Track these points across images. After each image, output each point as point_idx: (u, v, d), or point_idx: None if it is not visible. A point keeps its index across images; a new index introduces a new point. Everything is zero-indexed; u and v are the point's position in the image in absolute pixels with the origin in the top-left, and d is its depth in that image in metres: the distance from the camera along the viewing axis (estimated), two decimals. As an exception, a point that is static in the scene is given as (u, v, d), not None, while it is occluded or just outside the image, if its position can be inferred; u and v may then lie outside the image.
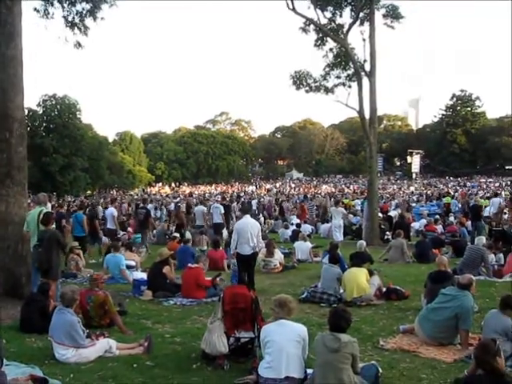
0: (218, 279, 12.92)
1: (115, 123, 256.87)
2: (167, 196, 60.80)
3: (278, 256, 17.17)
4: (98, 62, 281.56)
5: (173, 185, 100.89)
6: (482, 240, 15.76)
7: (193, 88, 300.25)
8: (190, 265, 12.88)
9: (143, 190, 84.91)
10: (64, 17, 15.28)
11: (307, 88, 26.41)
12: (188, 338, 8.92)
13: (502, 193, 46.21)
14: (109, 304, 9.51)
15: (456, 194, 49.55)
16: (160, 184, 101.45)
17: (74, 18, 15.31)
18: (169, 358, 7.92)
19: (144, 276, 13.66)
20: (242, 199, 43.66)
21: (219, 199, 39.05)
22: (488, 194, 45.20)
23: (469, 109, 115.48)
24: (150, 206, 27.48)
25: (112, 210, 21.62)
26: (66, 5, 15.17)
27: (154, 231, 25.29)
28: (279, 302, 6.97)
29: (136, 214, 24.26)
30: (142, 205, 25.43)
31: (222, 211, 23.54)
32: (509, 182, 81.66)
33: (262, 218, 30.84)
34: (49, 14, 15.38)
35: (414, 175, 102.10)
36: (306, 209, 33.27)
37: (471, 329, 8.71)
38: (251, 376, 6.88)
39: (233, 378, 6.98)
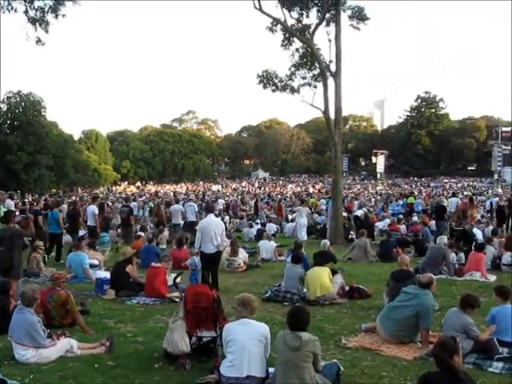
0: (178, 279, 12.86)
1: (81, 121, 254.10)
2: (133, 194, 60.42)
3: (243, 255, 17.17)
4: (63, 60, 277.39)
5: (138, 183, 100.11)
6: (443, 239, 15.97)
7: (159, 87, 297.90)
8: (153, 264, 12.82)
9: (108, 189, 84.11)
10: (25, 12, 15.11)
11: (274, 87, 26.39)
12: (150, 338, 8.86)
13: (465, 193, 46.85)
14: (71, 303, 9.41)
15: (420, 194, 50.10)
16: (126, 183, 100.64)
17: (35, 13, 15.14)
18: (131, 357, 7.86)
19: (107, 275, 13.52)
20: (207, 198, 43.64)
21: (193, 198, 39.19)
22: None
23: (433, 110, 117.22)
24: (133, 205, 27.42)
25: (93, 208, 21.58)
26: (27, 1, 15.00)
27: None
28: (242, 301, 6.97)
29: (109, 213, 24.29)
30: (124, 203, 25.49)
31: (196, 209, 23.63)
32: (471, 183, 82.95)
33: (227, 217, 30.81)
34: (12, 8, 15.19)
35: (378, 175, 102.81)
36: (282, 207, 33.39)
37: (431, 327, 8.80)
38: (213, 375, 6.85)
39: (195, 378, 6.95)
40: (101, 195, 54.81)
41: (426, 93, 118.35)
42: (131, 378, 6.99)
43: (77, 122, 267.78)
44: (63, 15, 15.43)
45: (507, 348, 8.17)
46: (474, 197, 41.94)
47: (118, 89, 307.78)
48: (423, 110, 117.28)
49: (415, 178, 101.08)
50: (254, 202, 39.74)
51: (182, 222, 23.85)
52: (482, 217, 29.52)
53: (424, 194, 50.45)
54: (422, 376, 5.33)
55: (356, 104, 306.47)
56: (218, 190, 75.59)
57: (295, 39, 25.84)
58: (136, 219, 26.29)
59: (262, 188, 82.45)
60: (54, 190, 70.84)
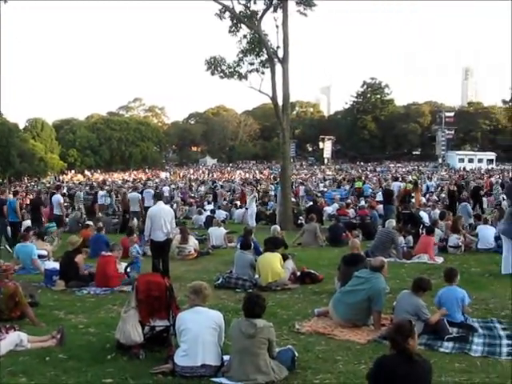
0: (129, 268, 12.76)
1: (26, 110, 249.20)
2: (80, 183, 59.65)
3: (193, 242, 17.12)
4: (7, 47, 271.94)
5: (86, 172, 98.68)
6: (391, 223, 16.20)
7: (106, 74, 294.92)
8: (103, 253, 12.65)
9: (55, 178, 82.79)
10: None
11: (221, 74, 26.28)
12: (102, 328, 8.73)
13: (410, 177, 47.55)
14: (19, 295, 9.19)
15: (367, 179, 50.65)
16: (73, 171, 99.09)
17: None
18: (83, 349, 7.71)
19: (56, 266, 13.26)
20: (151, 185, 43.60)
21: (152, 185, 39.17)
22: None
23: (378, 96, 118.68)
24: (101, 193, 27.24)
25: (58, 197, 21.60)
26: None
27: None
28: (194, 288, 6.93)
29: (50, 202, 23.93)
30: (89, 191, 25.41)
31: (167, 194, 23.68)
32: (416, 167, 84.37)
33: (175, 205, 30.64)
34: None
35: (325, 160, 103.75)
36: (245, 194, 33.34)
37: (383, 310, 8.89)
38: (167, 365, 6.78)
39: (148, 368, 6.85)
40: (48, 185, 53.92)
41: (372, 79, 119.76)
42: (84, 371, 6.85)
43: (22, 111, 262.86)
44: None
45: (456, 328, 8.38)
46: (420, 181, 42.65)
47: (63, 77, 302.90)
48: (369, 95, 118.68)
49: (362, 163, 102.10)
50: (213, 188, 39.86)
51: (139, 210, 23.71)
52: (428, 200, 29.95)
53: (375, 179, 51.01)
54: (377, 360, 5.38)
55: (303, 90, 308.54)
56: (167, 178, 75.10)
57: (243, 25, 25.72)
58: (103, 207, 26.23)
59: (210, 175, 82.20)
60: (-1, 180, 69.49)
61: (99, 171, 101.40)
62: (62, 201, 21.20)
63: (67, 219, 24.32)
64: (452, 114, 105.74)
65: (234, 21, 25.76)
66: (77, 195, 27.73)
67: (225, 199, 34.82)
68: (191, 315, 6.76)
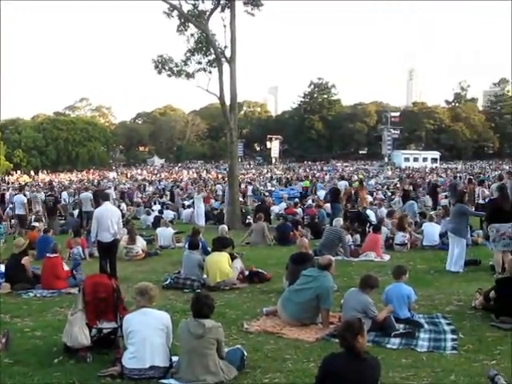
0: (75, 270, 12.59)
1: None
2: (26, 184, 58.50)
3: (140, 243, 16.99)
4: None
5: (32, 173, 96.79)
6: (339, 221, 16.33)
7: (52, 73, 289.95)
8: (48, 255, 12.43)
9: (1, 179, 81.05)
10: None
11: (169, 73, 26.13)
12: (49, 332, 8.58)
13: (356, 176, 48.15)
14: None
15: (314, 177, 51.08)
16: (19, 172, 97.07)
17: None
18: (29, 353, 7.55)
19: (1, 268, 13.01)
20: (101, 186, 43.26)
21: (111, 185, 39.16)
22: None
23: (325, 96, 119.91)
24: (65, 194, 27.06)
25: (21, 197, 21.51)
26: None
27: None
28: (139, 290, 6.88)
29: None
30: (49, 192, 25.18)
31: (114, 196, 23.48)
32: (362, 166, 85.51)
33: (123, 205, 30.35)
34: None
35: (273, 160, 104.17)
36: (245, 192, 33.16)
37: (331, 308, 8.95)
38: (115, 367, 6.69)
39: (96, 371, 6.76)
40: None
41: (319, 79, 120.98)
42: (30, 375, 6.72)
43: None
44: None
45: (403, 324, 8.50)
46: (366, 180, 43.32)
47: (8, 76, 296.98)
48: (316, 95, 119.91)
49: (309, 163, 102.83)
50: (170, 189, 39.78)
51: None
52: (375, 199, 30.36)
53: (327, 177, 51.66)
54: (325, 358, 5.41)
55: (251, 90, 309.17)
56: (114, 178, 74.26)
57: (191, 24, 25.61)
58: (65, 208, 26.14)
59: (158, 175, 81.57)
60: None
61: (45, 172, 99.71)
62: (25, 201, 20.92)
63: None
64: (397, 113, 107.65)
65: (182, 20, 25.65)
66: (34, 196, 27.39)
67: (183, 199, 34.68)
68: (138, 317, 6.70)
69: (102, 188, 34.17)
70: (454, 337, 8.06)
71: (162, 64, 25.86)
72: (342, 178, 32.51)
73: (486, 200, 17.86)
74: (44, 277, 12.09)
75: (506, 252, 11.69)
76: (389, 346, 7.79)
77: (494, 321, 8.57)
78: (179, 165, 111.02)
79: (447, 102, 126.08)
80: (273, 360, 7.17)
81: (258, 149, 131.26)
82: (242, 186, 38.53)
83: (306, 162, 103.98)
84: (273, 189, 41.89)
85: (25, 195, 24.12)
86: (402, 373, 6.63)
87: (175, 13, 25.35)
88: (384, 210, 21.90)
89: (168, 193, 38.79)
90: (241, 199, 27.23)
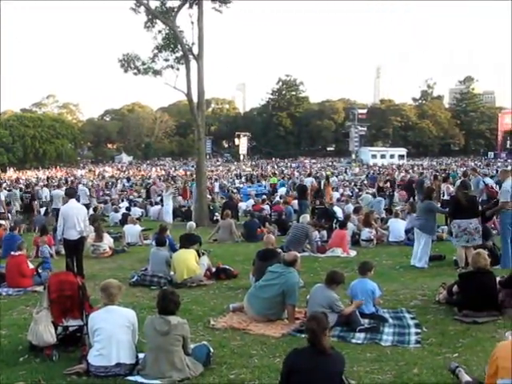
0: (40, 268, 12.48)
1: None
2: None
3: (108, 240, 16.92)
4: None
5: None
6: (306, 218, 16.42)
7: (18, 70, 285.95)
8: (12, 253, 12.31)
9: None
10: None
11: (135, 71, 26.03)
12: (15, 330, 8.49)
13: (323, 173, 48.41)
14: None
15: (282, 174, 51.28)
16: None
17: None
18: (-6, 352, 7.51)
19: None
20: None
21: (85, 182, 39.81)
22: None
23: (293, 93, 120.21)
24: (46, 190, 27.05)
25: None
26: None
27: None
28: (104, 287, 6.87)
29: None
30: (25, 189, 25.15)
31: (88, 193, 23.48)
32: (330, 163, 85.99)
33: (91, 202, 30.15)
34: None
35: (241, 157, 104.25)
36: (187, 190, 33.02)
37: (297, 303, 9.00)
38: (81, 365, 6.66)
39: (62, 369, 6.71)
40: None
41: (287, 76, 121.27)
42: (-5, 374, 6.68)
43: None
44: None
45: (368, 319, 8.58)
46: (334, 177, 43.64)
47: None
48: (284, 92, 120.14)
49: (277, 159, 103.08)
50: (146, 186, 39.72)
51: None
52: (342, 195, 30.57)
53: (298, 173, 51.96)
54: (289, 353, 5.46)
55: (219, 87, 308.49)
56: (82, 175, 73.62)
57: (158, 21, 25.53)
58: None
59: (126, 172, 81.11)
60: None
61: (12, 169, 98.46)
62: (2, 198, 20.76)
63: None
64: (365, 110, 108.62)
65: (149, 16, 25.55)
66: (12, 193, 27.24)
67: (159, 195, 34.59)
68: (103, 314, 6.68)
69: (76, 185, 33.85)
70: (418, 331, 8.16)
71: (128, 63, 25.75)
72: (308, 175, 32.65)
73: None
74: (9, 275, 11.96)
75: (468, 247, 11.87)
76: (354, 340, 7.85)
77: (457, 314, 8.68)
78: (148, 162, 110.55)
79: (414, 100, 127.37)
80: (239, 356, 7.19)
81: (226, 146, 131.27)
82: (209, 183, 38.52)
83: (274, 159, 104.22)
84: (241, 186, 41.97)
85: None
86: (367, 367, 6.69)
87: (142, 9, 25.27)
88: (351, 207, 22.06)
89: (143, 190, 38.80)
90: (208, 196, 27.22)
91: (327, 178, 32.62)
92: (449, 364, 6.43)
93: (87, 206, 25.36)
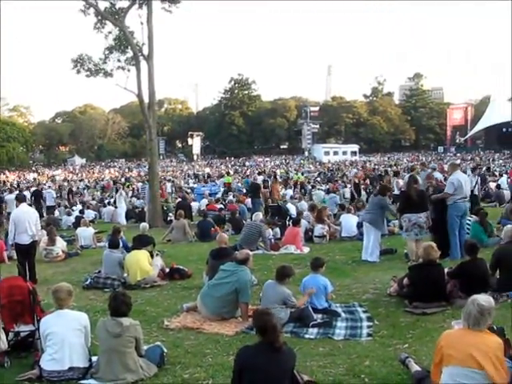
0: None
1: None
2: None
3: (61, 244, 16.73)
4: None
5: None
6: (258, 216, 16.53)
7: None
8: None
9: None
10: None
11: (88, 72, 25.80)
12: (-36, 338, 8.38)
13: (278, 171, 48.71)
14: None
15: (236, 173, 51.41)
16: None
17: None
18: None
19: None
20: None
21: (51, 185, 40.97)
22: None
23: (246, 92, 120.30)
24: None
25: None
26: None
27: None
28: (54, 291, 6.83)
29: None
30: None
31: (55, 195, 23.37)
32: (283, 161, 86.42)
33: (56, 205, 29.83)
34: None
35: (195, 157, 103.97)
36: (164, 189, 32.73)
37: (251, 301, 9.08)
38: (34, 371, 6.61)
39: (15, 375, 6.65)
40: None
41: (239, 75, 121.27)
42: None
43: None
44: None
45: (320, 314, 8.73)
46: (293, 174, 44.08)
47: None
48: (236, 91, 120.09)
49: (232, 158, 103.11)
50: (114, 187, 39.65)
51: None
52: (295, 192, 30.80)
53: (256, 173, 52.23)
54: (240, 350, 5.50)
55: (172, 87, 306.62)
56: (34, 179, 72.51)
57: (108, 22, 25.33)
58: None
59: (79, 174, 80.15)
60: None
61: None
62: None
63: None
64: (317, 108, 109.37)
65: (99, 17, 25.34)
66: None
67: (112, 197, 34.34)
68: (55, 318, 6.65)
69: (40, 189, 33.35)
70: (370, 324, 8.31)
71: (80, 63, 25.51)
72: (259, 173, 33.01)
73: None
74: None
75: (418, 240, 12.09)
76: (307, 336, 7.95)
77: (408, 306, 8.86)
78: (103, 164, 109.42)
79: (365, 97, 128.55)
80: (193, 355, 7.23)
81: (179, 146, 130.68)
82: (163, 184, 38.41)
83: (227, 158, 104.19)
84: (194, 185, 41.89)
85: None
86: (320, 361, 6.79)
87: (92, 10, 25.04)
88: (304, 204, 22.23)
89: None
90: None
91: (275, 175, 32.92)
92: (399, 355, 6.59)
93: (53, 209, 25.43)
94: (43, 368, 6.47)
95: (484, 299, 5.20)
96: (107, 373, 6.35)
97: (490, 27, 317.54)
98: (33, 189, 33.86)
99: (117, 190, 32.17)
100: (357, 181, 29.40)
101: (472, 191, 18.43)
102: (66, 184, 51.32)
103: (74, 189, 44.58)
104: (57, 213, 27.24)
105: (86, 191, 44.15)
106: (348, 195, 28.50)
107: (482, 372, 4.90)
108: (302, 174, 46.55)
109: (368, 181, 31.87)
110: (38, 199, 27.28)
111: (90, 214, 25.27)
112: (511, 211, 14.82)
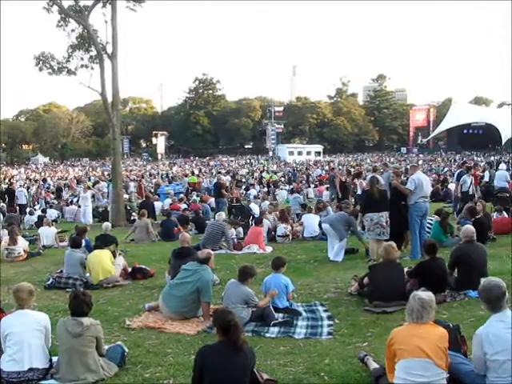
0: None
1: None
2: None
3: (22, 243, 16.54)
4: None
5: None
6: (221, 215, 16.58)
7: None
8: None
9: None
10: None
11: (50, 70, 25.51)
12: None
13: (243, 170, 48.78)
14: None
15: (201, 173, 51.30)
16: None
17: None
18: None
19: None
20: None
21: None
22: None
23: (210, 91, 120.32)
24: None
25: None
26: None
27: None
28: (14, 291, 6.78)
29: None
30: None
31: (26, 194, 23.30)
32: (248, 160, 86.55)
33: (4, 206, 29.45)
34: None
35: (159, 156, 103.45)
36: (143, 187, 32.41)
37: (213, 300, 9.11)
38: (-7, 372, 6.58)
39: (-27, 378, 6.62)
40: None
41: (204, 75, 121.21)
42: None
43: None
44: None
45: (282, 313, 8.82)
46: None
47: None
48: (201, 91, 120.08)
49: (197, 158, 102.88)
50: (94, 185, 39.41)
51: None
52: (259, 192, 30.91)
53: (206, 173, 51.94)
54: (200, 350, 5.54)
55: (136, 87, 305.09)
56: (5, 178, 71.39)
57: (72, 20, 25.09)
58: None
59: (43, 173, 79.12)
60: None
61: None
62: None
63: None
64: (281, 108, 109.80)
65: (62, 15, 25.09)
66: None
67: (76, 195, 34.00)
68: (15, 319, 6.59)
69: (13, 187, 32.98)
70: (331, 323, 8.41)
71: (43, 61, 25.24)
72: (218, 173, 33.21)
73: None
74: None
75: (380, 240, 12.24)
76: (268, 334, 8.02)
77: (368, 305, 8.99)
78: (68, 163, 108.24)
79: (329, 97, 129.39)
80: (154, 355, 7.24)
81: (144, 145, 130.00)
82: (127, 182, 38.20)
83: (192, 158, 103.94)
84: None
85: None
86: (280, 360, 6.85)
87: (55, 8, 24.79)
88: (267, 203, 22.32)
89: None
90: (125, 196, 27.02)
91: (234, 175, 33.07)
92: (358, 353, 6.69)
93: (25, 207, 25.25)
94: (2, 369, 6.40)
95: (424, 294, 5.55)
96: (68, 373, 6.32)
97: (452, 30, 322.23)
98: (4, 186, 33.60)
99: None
100: (343, 178, 29.15)
101: (467, 191, 18.84)
102: (27, 183, 50.66)
103: (34, 188, 44.17)
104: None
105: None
106: (312, 195, 28.66)
107: (431, 360, 5.19)
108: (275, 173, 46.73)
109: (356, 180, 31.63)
110: (11, 198, 27.04)
111: (52, 214, 25.03)
112: (470, 211, 15.05)
